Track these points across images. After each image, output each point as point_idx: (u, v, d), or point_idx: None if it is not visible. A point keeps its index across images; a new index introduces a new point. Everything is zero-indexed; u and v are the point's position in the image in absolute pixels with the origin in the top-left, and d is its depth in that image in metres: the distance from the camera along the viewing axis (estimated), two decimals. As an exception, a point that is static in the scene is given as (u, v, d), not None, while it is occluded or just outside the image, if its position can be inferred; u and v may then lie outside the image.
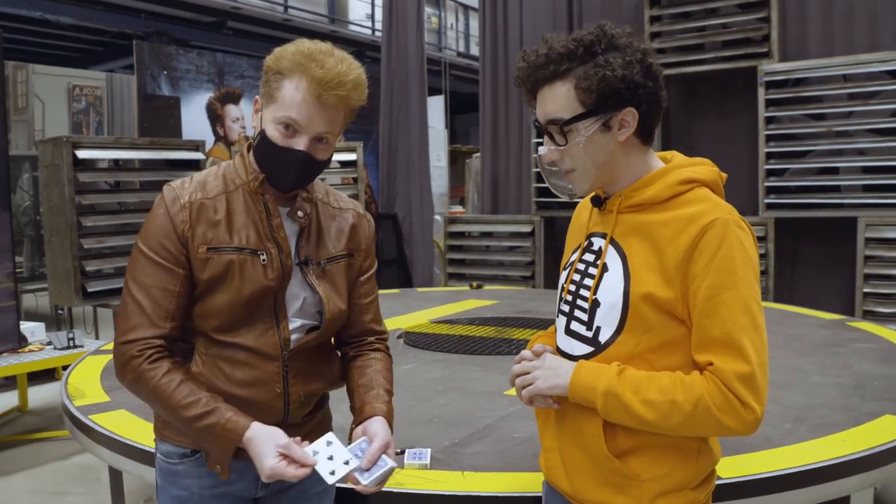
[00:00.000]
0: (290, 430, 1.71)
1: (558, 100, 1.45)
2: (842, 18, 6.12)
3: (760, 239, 6.10)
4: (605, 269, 1.50)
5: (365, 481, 1.51)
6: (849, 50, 6.00)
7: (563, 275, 1.63)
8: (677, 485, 1.48)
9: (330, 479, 1.49)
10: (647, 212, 1.49)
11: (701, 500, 1.52)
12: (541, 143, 1.57)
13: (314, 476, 1.50)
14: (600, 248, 1.54)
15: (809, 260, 6.40)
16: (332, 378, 1.80)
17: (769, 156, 6.11)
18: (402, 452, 2.25)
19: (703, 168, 1.53)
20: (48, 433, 5.08)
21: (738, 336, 1.38)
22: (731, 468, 2.14)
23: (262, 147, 1.59)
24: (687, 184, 1.48)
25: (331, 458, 1.51)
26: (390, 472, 1.55)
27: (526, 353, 1.60)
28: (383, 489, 1.60)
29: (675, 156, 1.58)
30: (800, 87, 6.07)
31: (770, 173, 6.13)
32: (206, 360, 1.64)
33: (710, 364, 1.39)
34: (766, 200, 6.12)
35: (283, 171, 1.60)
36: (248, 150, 1.67)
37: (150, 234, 1.60)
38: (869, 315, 5.50)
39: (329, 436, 1.55)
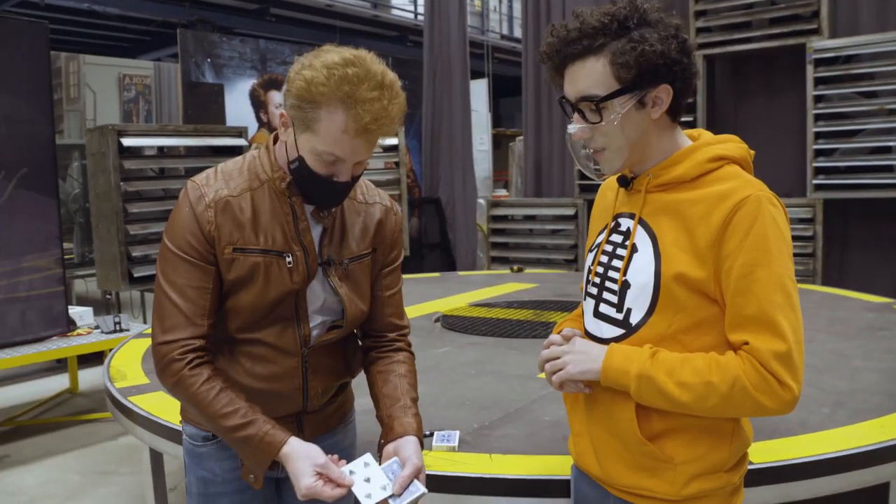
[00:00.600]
0: (309, 417, 1.73)
1: (592, 76, 1.41)
2: (895, -8, 5.93)
3: (808, 220, 5.98)
4: (634, 249, 1.47)
5: None
6: (902, 25, 5.81)
7: (590, 257, 1.60)
8: (712, 467, 1.45)
9: (366, 502, 1.48)
10: (676, 190, 1.45)
11: (735, 482, 1.49)
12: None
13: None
14: (628, 228, 1.51)
15: (859, 242, 6.23)
16: (351, 370, 1.80)
17: (818, 135, 5.95)
18: (431, 434, 2.26)
19: (732, 145, 1.49)
20: (98, 414, 5.21)
21: (773, 314, 1.34)
22: (767, 453, 2.09)
23: (302, 174, 1.54)
24: (716, 161, 1.45)
25: (368, 479, 1.51)
26: (420, 497, 1.53)
27: (555, 337, 1.57)
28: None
29: (703, 133, 1.54)
30: (850, 64, 5.89)
31: (819, 153, 5.98)
32: (226, 355, 1.65)
33: (746, 343, 1.36)
34: (815, 181, 5.97)
35: (326, 197, 1.59)
36: (274, 143, 1.62)
37: (176, 232, 1.57)
38: (922, 298, 5.34)
39: (367, 456, 1.55)
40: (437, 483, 2.03)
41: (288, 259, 1.58)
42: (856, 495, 2.26)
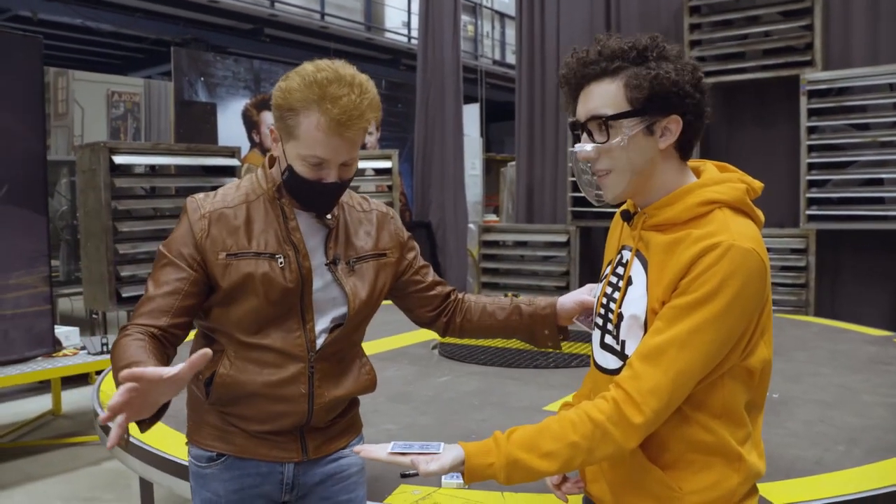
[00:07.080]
0: (315, 433, 1.75)
1: (605, 96, 1.41)
2: (887, 26, 6.00)
3: (801, 251, 6.02)
4: (629, 282, 1.47)
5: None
6: (894, 58, 5.87)
7: (598, 287, 1.61)
8: (719, 498, 1.42)
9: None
10: (669, 231, 1.42)
11: None
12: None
13: (345, 482, 1.74)
14: (627, 261, 1.50)
15: (851, 273, 6.26)
16: (360, 383, 1.80)
17: (811, 166, 5.99)
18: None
19: (727, 186, 1.44)
20: (82, 438, 5.10)
21: (661, 358, 1.34)
22: (784, 493, 2.05)
23: (294, 182, 1.64)
24: (707, 205, 1.41)
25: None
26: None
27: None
28: None
29: (706, 170, 1.50)
30: (843, 96, 5.95)
31: (812, 184, 6.01)
32: (234, 362, 1.67)
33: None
34: (808, 212, 6.00)
35: (319, 201, 1.68)
36: (271, 165, 1.72)
37: (173, 241, 1.68)
38: (914, 331, 5.36)
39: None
40: (448, 521, 1.98)
41: (280, 260, 1.65)
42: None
